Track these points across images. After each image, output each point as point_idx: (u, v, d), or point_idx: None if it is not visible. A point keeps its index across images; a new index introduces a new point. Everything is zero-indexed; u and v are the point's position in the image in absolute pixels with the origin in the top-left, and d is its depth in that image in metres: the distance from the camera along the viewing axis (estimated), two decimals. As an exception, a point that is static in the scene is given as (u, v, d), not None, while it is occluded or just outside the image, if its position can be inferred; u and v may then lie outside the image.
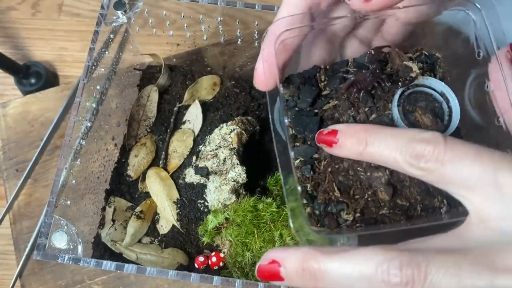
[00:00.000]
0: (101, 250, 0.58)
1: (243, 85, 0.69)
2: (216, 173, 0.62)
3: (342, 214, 0.36)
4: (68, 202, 0.51)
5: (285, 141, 0.38)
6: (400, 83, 0.39)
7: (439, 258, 0.28)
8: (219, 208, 0.59)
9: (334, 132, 0.35)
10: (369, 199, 0.37)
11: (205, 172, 0.62)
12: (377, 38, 0.44)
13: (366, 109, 0.39)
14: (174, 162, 0.63)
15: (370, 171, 0.37)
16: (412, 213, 0.37)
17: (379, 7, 0.33)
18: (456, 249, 0.29)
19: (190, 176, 0.62)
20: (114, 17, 0.56)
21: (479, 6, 0.38)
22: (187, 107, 0.67)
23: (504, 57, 0.36)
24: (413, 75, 0.39)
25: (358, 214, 0.36)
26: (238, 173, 0.57)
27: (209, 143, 0.63)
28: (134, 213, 0.60)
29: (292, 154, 0.37)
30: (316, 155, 0.38)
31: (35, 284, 0.61)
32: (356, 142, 0.33)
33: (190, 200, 0.61)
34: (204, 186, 0.61)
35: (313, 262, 0.30)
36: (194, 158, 0.63)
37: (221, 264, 0.57)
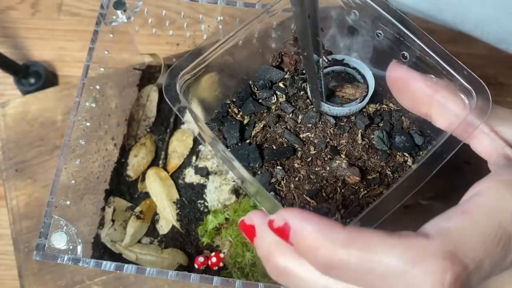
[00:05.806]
0: (100, 251, 0.58)
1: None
2: (216, 173, 0.62)
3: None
4: (68, 202, 0.51)
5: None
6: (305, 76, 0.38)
7: None
8: (219, 208, 0.59)
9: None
10: (342, 190, 0.36)
11: (205, 172, 0.62)
12: None
13: (291, 114, 0.38)
14: (174, 162, 0.63)
15: (328, 165, 0.36)
16: (387, 180, 0.36)
17: None
18: None
19: (190, 176, 0.62)
20: (114, 17, 0.56)
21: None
22: (187, 107, 0.67)
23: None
24: None
25: (342, 210, 0.35)
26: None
27: (209, 143, 0.63)
28: (134, 213, 0.60)
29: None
30: (272, 180, 0.36)
31: (34, 285, 0.61)
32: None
33: (190, 200, 0.61)
34: (204, 186, 0.61)
35: (329, 247, 0.25)
36: (194, 158, 0.63)
37: (221, 264, 0.57)
